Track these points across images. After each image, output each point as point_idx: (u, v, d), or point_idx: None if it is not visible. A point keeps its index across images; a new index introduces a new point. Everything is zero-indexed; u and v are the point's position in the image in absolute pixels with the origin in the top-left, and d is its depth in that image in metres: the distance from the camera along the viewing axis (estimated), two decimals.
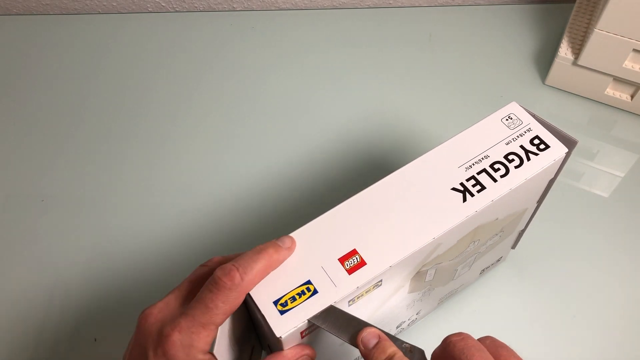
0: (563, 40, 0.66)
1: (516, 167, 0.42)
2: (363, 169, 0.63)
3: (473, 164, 0.42)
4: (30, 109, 0.70)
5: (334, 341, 0.42)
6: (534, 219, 0.54)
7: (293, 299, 0.37)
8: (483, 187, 0.41)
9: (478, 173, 0.42)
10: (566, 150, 0.43)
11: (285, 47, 0.74)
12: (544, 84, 0.69)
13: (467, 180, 0.41)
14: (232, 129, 0.67)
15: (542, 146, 0.43)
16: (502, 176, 0.42)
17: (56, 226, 0.61)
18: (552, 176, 0.46)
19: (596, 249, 0.58)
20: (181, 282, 0.38)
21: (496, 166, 0.42)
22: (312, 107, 0.69)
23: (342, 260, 0.38)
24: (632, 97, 0.65)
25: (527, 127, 0.44)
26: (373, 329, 0.36)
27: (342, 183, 0.62)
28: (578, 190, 0.62)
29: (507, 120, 0.45)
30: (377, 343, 0.36)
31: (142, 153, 0.66)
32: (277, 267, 0.37)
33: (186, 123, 0.68)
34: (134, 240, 0.59)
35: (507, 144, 0.43)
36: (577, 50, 0.65)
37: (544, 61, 0.71)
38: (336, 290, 0.37)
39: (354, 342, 0.36)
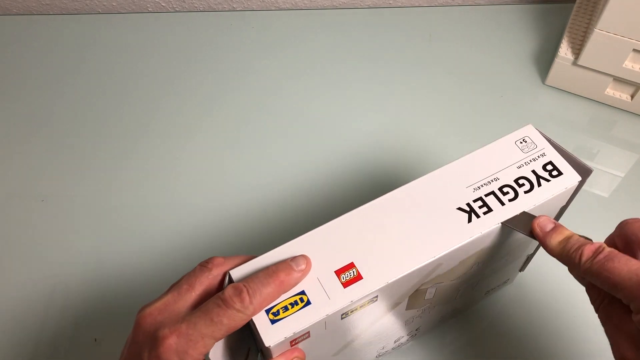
0: (563, 40, 0.66)
1: (526, 192, 0.41)
2: (360, 170, 0.63)
3: (482, 186, 0.41)
4: (30, 108, 0.70)
5: (325, 352, 0.41)
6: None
7: (285, 308, 0.36)
8: (490, 210, 0.40)
9: (486, 195, 0.41)
10: (579, 178, 0.42)
11: (285, 47, 0.74)
12: (544, 84, 0.69)
13: (474, 201, 0.41)
14: (232, 129, 0.67)
15: (554, 172, 0.42)
16: (510, 200, 0.41)
17: (56, 226, 0.61)
18: (564, 204, 0.45)
19: None
20: (179, 280, 0.38)
21: (505, 189, 0.41)
22: (312, 107, 0.69)
23: (338, 272, 0.37)
24: (632, 97, 0.65)
25: (541, 152, 0.43)
26: (547, 217, 0.40)
27: (334, 182, 0.62)
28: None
29: (521, 143, 0.44)
30: (554, 227, 0.39)
31: (141, 153, 0.66)
32: (290, 289, 0.37)
33: (186, 123, 0.68)
34: (134, 240, 0.59)
35: (519, 167, 0.42)
36: (577, 50, 0.65)
37: (544, 61, 0.71)
38: (330, 303, 0.36)
39: (529, 230, 0.39)
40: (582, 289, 0.45)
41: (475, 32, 0.75)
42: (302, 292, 0.37)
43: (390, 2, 0.77)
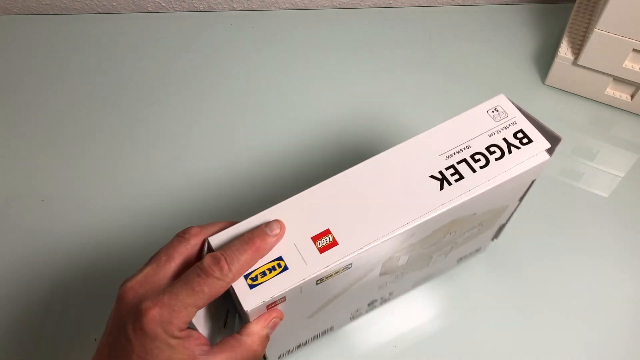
0: (563, 40, 0.66)
1: (497, 159, 0.42)
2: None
3: (454, 153, 0.42)
4: (30, 108, 0.70)
5: (299, 315, 0.42)
6: (535, 219, 0.54)
7: (263, 274, 0.37)
8: (461, 177, 0.41)
9: (458, 162, 0.42)
10: (548, 145, 0.43)
11: (285, 47, 0.74)
12: (544, 84, 0.69)
13: (447, 168, 0.41)
14: (232, 129, 0.67)
15: (525, 140, 0.43)
16: (481, 167, 0.41)
17: (56, 226, 0.61)
18: (535, 175, 0.45)
19: (596, 249, 0.58)
20: (158, 252, 0.39)
21: (477, 157, 0.42)
22: (312, 107, 0.69)
23: (314, 239, 0.38)
24: (632, 97, 0.65)
25: (512, 121, 0.44)
26: None
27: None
28: (578, 190, 0.62)
29: (493, 112, 0.45)
30: None
31: (141, 153, 0.66)
32: (266, 254, 0.38)
33: (186, 123, 0.68)
34: (134, 240, 0.59)
35: (490, 135, 0.43)
36: (577, 50, 0.65)
37: (544, 61, 0.71)
38: (306, 268, 0.37)
39: None
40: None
41: (475, 32, 0.75)
42: (280, 258, 0.38)
43: (390, 2, 0.77)
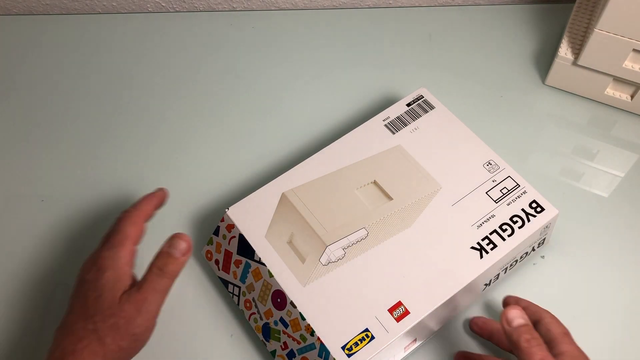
0: (563, 40, 0.66)
1: (519, 227, 0.53)
2: None
3: (483, 223, 0.53)
4: (30, 108, 0.70)
5: None
6: None
7: (356, 344, 0.47)
8: (495, 245, 0.52)
9: (490, 233, 0.52)
10: (557, 211, 0.54)
11: (285, 47, 0.74)
12: (544, 84, 0.69)
13: (482, 239, 0.52)
14: (232, 128, 0.67)
15: (538, 209, 0.54)
16: (509, 235, 0.52)
17: (56, 226, 0.61)
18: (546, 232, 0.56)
19: (596, 249, 0.58)
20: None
21: (504, 227, 0.53)
22: (312, 107, 0.69)
23: (390, 311, 0.49)
24: (632, 97, 0.65)
25: (521, 190, 0.55)
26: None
27: None
28: (578, 190, 0.62)
29: (487, 165, 0.57)
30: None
31: (141, 152, 0.66)
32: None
33: (186, 123, 0.68)
34: None
35: (508, 205, 0.54)
36: (577, 50, 0.65)
37: (544, 61, 0.71)
38: (389, 336, 0.48)
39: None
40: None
41: (475, 32, 0.75)
42: (366, 330, 0.48)
43: (390, 2, 0.77)
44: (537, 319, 0.45)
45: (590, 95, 0.68)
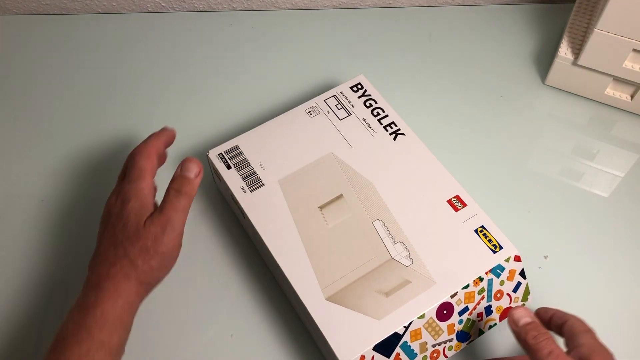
0: (563, 40, 0.66)
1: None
2: None
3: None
4: (30, 108, 0.70)
5: None
6: (535, 219, 0.54)
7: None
8: None
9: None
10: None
11: (285, 47, 0.74)
12: (544, 84, 0.69)
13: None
14: (231, 128, 0.67)
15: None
16: None
17: (56, 226, 0.61)
18: None
19: (596, 249, 0.58)
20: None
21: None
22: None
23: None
24: (632, 97, 0.65)
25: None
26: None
27: None
28: (578, 190, 0.62)
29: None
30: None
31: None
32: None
33: (186, 123, 0.68)
34: None
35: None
36: (577, 50, 0.65)
37: (544, 61, 0.71)
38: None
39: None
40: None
41: (475, 32, 0.75)
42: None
43: (390, 2, 0.77)
44: (563, 321, 0.46)
45: (590, 95, 0.68)
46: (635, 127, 0.66)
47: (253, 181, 0.56)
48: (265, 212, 0.54)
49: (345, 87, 0.62)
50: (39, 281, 0.58)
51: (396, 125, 0.59)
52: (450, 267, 0.50)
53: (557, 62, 0.66)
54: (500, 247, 0.51)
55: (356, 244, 0.52)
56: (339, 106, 0.60)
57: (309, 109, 0.60)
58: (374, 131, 0.59)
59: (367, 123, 0.59)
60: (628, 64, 0.62)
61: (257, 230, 0.53)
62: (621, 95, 0.66)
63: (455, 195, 0.54)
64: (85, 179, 0.64)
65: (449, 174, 0.56)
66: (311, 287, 0.50)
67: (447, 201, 0.54)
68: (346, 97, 0.61)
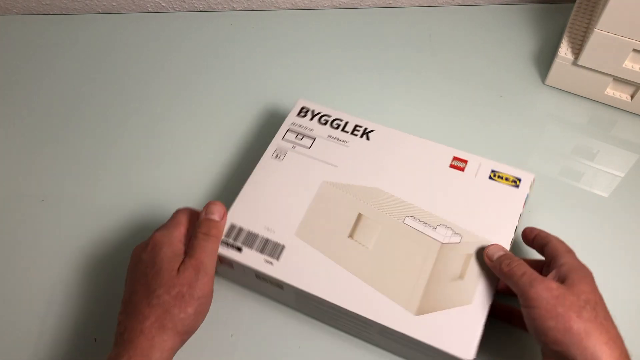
0: (563, 40, 0.66)
1: None
2: None
3: None
4: (30, 108, 0.70)
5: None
6: (535, 219, 0.54)
7: None
8: None
9: None
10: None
11: (285, 47, 0.74)
12: (544, 84, 0.69)
13: None
14: (231, 128, 0.67)
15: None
16: None
17: (56, 226, 0.61)
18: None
19: (596, 249, 0.58)
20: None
21: None
22: None
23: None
24: (632, 97, 0.65)
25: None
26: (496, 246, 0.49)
27: None
28: (578, 190, 0.62)
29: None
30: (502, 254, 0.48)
31: (141, 152, 0.66)
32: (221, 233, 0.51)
33: (186, 123, 0.68)
34: (133, 240, 0.59)
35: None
36: (577, 50, 0.65)
37: (544, 61, 0.71)
38: None
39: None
40: None
41: (475, 32, 0.75)
42: None
43: (390, 2, 0.77)
44: (546, 242, 0.48)
45: (590, 95, 0.68)
46: (635, 127, 0.66)
47: (273, 249, 0.51)
48: (303, 272, 0.50)
49: (293, 117, 0.59)
50: (39, 281, 0.58)
51: (361, 127, 0.58)
52: (492, 220, 0.52)
53: (557, 62, 0.66)
54: (519, 179, 0.53)
55: (404, 249, 0.51)
56: (300, 137, 0.58)
57: (275, 154, 0.57)
58: (345, 142, 0.57)
59: (334, 138, 0.57)
60: (628, 64, 0.62)
61: (309, 292, 0.49)
62: (621, 95, 0.66)
63: (453, 157, 0.55)
64: (86, 178, 0.64)
65: (435, 142, 0.56)
66: (394, 312, 0.48)
67: (449, 167, 0.55)
68: (300, 125, 0.58)
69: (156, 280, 0.45)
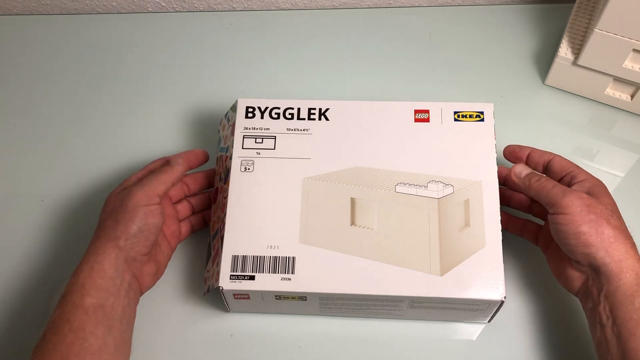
0: (563, 40, 0.66)
1: None
2: None
3: None
4: (30, 108, 0.70)
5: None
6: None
7: None
8: None
9: None
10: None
11: (285, 47, 0.74)
12: (544, 84, 0.69)
13: None
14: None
15: None
16: None
17: (56, 225, 0.61)
18: None
19: None
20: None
21: None
22: None
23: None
24: (632, 97, 0.65)
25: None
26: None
27: None
28: None
29: None
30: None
31: (142, 152, 0.66)
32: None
33: (185, 123, 0.68)
34: None
35: None
36: (577, 50, 0.65)
37: (544, 61, 0.71)
38: None
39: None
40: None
41: (475, 32, 0.75)
42: None
43: (390, 2, 0.77)
44: (547, 159, 0.53)
45: (590, 95, 0.68)
46: (635, 127, 0.66)
47: (285, 265, 0.50)
48: (322, 275, 0.49)
49: (242, 121, 0.56)
50: (39, 281, 0.58)
51: (315, 109, 0.56)
52: (473, 160, 0.53)
53: (557, 62, 0.66)
54: (482, 112, 0.55)
55: (406, 217, 0.51)
56: (259, 140, 0.55)
57: (242, 167, 0.54)
58: (306, 130, 0.55)
59: (294, 130, 0.55)
60: (628, 64, 0.62)
61: (336, 293, 0.49)
62: (621, 95, 0.66)
63: (414, 111, 0.55)
64: (86, 178, 0.64)
65: (391, 102, 0.56)
66: (421, 281, 0.49)
67: (415, 121, 0.55)
68: (254, 127, 0.55)
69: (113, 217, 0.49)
